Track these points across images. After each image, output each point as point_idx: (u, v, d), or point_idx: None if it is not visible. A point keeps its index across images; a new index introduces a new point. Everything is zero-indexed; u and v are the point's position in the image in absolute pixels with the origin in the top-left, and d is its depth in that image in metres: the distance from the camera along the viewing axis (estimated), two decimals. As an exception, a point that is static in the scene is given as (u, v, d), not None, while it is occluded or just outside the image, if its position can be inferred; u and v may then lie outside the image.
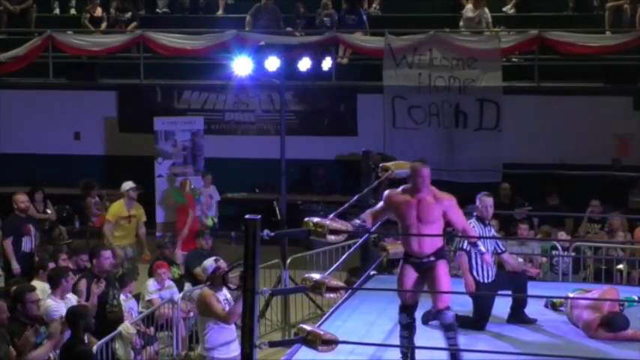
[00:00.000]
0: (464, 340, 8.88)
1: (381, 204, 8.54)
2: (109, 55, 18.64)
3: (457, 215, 8.52)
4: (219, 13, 19.31)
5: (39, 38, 18.43)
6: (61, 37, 18.41)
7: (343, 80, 17.89)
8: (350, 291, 10.04)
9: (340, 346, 7.10)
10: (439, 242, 8.43)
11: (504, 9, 18.59)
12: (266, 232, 7.06)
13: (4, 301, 9.46)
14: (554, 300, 9.71)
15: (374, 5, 19.16)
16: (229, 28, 17.95)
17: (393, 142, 17.46)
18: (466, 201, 13.60)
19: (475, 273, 9.31)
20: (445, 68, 17.23)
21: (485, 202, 9.62)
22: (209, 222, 16.66)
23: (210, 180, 16.98)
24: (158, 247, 13.42)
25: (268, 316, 12.93)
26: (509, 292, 9.45)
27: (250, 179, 18.38)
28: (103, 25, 19.14)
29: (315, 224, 7.38)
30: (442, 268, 8.34)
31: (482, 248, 9.11)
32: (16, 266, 12.59)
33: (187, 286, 12.48)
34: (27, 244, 13.02)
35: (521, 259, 12.33)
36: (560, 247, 13.25)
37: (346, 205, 9.02)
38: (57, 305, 9.78)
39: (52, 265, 11.06)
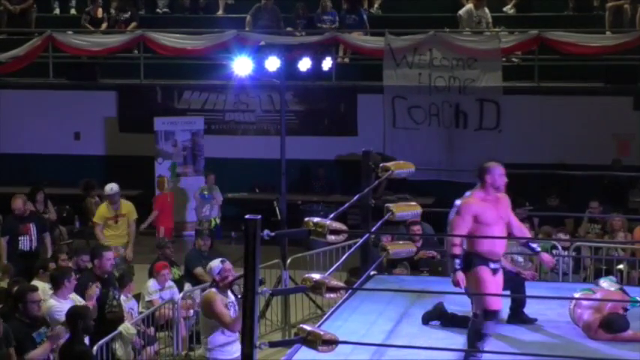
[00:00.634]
0: (464, 340, 8.87)
1: (458, 220, 8.13)
2: (109, 55, 18.65)
3: (512, 214, 8.49)
4: (220, 13, 19.32)
5: (39, 38, 18.44)
6: (61, 37, 18.42)
7: (343, 80, 17.90)
8: (350, 291, 10.03)
9: (340, 347, 7.09)
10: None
11: (504, 9, 18.61)
12: (266, 232, 7.06)
13: (6, 301, 9.50)
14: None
15: (374, 5, 19.16)
16: (229, 28, 17.96)
17: (393, 142, 17.47)
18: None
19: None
20: (445, 68, 17.25)
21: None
22: (211, 223, 16.67)
23: (213, 180, 16.98)
24: (158, 247, 13.41)
25: (268, 316, 12.93)
26: (508, 293, 9.45)
27: (250, 179, 18.38)
28: (103, 26, 19.15)
29: (316, 224, 7.36)
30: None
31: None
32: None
33: (187, 286, 12.48)
34: (25, 244, 13.05)
35: (521, 259, 12.35)
36: (560, 248, 13.25)
37: (346, 205, 9.00)
38: (60, 305, 9.77)
39: (52, 265, 11.06)
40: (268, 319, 12.88)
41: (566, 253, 13.12)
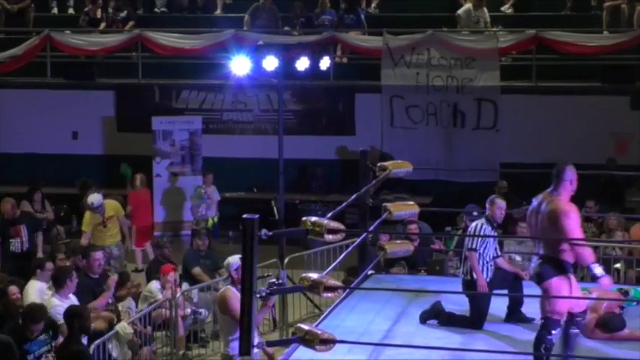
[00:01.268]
0: (461, 339, 8.90)
1: (575, 224, 7.83)
2: (107, 54, 18.65)
3: None
4: (218, 12, 19.32)
5: (37, 38, 18.43)
6: (59, 36, 18.42)
7: (341, 80, 17.90)
8: (348, 290, 10.04)
9: (338, 346, 7.11)
10: None
11: (502, 8, 18.62)
12: (264, 231, 7.07)
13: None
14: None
15: (372, 5, 19.16)
16: (227, 27, 17.96)
17: (391, 142, 17.47)
18: (464, 200, 13.68)
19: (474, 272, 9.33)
20: (443, 68, 17.25)
21: (499, 204, 9.57)
22: (209, 222, 16.67)
23: (212, 180, 16.99)
24: (157, 246, 13.41)
25: (266, 315, 12.91)
26: (506, 292, 9.48)
27: (248, 179, 18.36)
28: (102, 26, 19.14)
29: (313, 223, 7.37)
30: None
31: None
32: None
33: (185, 285, 12.47)
34: (16, 246, 13.13)
35: (519, 258, 12.37)
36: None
37: (344, 204, 9.00)
38: (62, 305, 9.76)
39: (49, 265, 11.05)
40: (266, 319, 12.87)
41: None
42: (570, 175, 7.93)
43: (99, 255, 10.88)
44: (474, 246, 9.35)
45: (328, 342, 7.00)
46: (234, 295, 8.57)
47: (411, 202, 10.84)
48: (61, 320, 9.38)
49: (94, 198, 13.52)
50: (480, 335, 9.06)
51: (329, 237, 7.40)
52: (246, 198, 18.17)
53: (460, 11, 17.68)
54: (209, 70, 17.81)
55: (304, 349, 7.30)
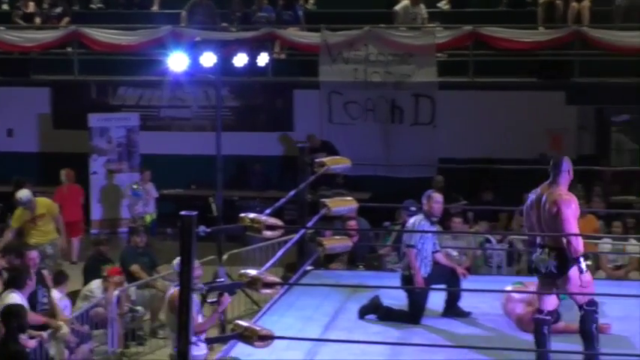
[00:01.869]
0: (399, 334, 8.95)
1: (573, 215, 7.87)
2: (43, 51, 18.43)
3: None
4: (155, 8, 19.17)
5: (-30, 34, 18.17)
6: (-7, 32, 18.18)
7: (279, 76, 17.87)
8: (286, 287, 10.05)
9: (276, 342, 7.10)
10: None
11: (439, 5, 18.70)
12: (202, 228, 7.04)
13: None
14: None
15: (310, 1, 19.16)
16: (164, 23, 17.84)
17: (329, 138, 17.50)
18: (402, 195, 13.74)
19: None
20: (381, 64, 17.30)
21: (436, 198, 9.54)
22: (147, 219, 16.58)
23: (149, 176, 16.90)
24: (94, 244, 13.30)
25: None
26: (444, 286, 9.54)
27: (186, 175, 18.29)
28: (37, 21, 18.91)
29: (252, 220, 7.37)
30: None
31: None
32: None
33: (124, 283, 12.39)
34: None
35: (456, 253, 12.47)
36: (494, 241, 13.39)
37: (283, 200, 9.01)
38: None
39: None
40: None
41: (499, 246, 13.26)
42: (567, 165, 8.08)
43: (34, 254, 10.75)
44: (412, 242, 9.40)
45: (267, 338, 6.99)
46: None
47: (350, 198, 10.86)
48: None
49: (22, 193, 13.41)
50: (418, 330, 9.12)
51: (267, 233, 7.40)
52: (184, 195, 18.10)
53: (397, 7, 17.75)
54: (146, 66, 17.66)
55: (243, 345, 7.29)
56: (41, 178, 17.42)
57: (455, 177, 16.11)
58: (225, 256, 12.83)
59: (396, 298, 9.47)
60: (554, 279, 7.97)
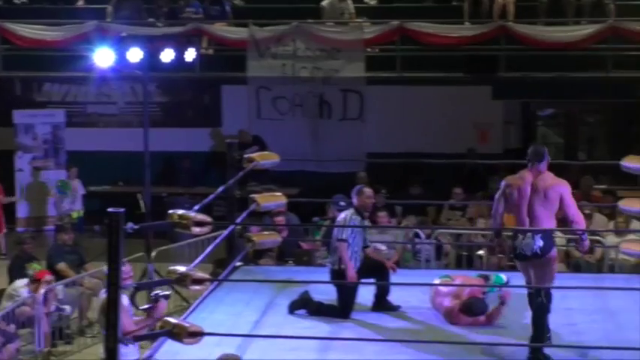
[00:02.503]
0: (329, 328, 8.97)
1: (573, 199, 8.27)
2: (-35, 46, 18.15)
3: None
4: (80, 3, 18.95)
5: None
6: None
7: (207, 71, 17.77)
8: (216, 283, 10.03)
9: (206, 338, 7.08)
10: None
11: (366, 0, 18.77)
12: (130, 225, 6.99)
13: None
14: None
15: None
16: (90, 18, 17.64)
17: (258, 133, 17.47)
18: (331, 190, 13.79)
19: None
20: (309, 59, 17.32)
21: (367, 193, 9.56)
22: (74, 216, 16.43)
23: (76, 173, 16.74)
24: (18, 243, 13.14)
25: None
26: (373, 281, 9.58)
27: (113, 172, 18.14)
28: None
29: (180, 216, 7.35)
30: None
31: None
32: None
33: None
34: None
35: (384, 247, 12.53)
36: (422, 235, 13.49)
37: (211, 196, 8.98)
38: None
39: None
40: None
41: (427, 240, 13.36)
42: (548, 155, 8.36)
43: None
44: (343, 237, 9.41)
45: (196, 335, 6.97)
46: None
47: (279, 194, 10.88)
48: None
49: None
50: (348, 324, 9.15)
51: (196, 229, 7.38)
52: (111, 192, 17.96)
53: (324, 3, 17.77)
54: (72, 62, 17.43)
55: (172, 342, 7.26)
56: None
57: (383, 172, 16.19)
58: (153, 253, 12.76)
59: (326, 293, 9.49)
60: (535, 261, 8.13)
